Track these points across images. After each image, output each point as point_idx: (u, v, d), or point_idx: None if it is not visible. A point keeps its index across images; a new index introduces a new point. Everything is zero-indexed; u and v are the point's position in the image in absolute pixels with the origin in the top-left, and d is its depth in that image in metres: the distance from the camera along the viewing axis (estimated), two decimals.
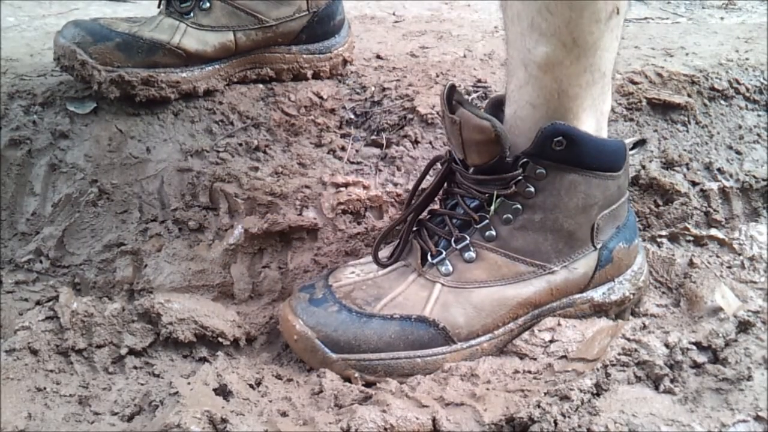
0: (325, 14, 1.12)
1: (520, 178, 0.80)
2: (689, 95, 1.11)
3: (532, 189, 0.81)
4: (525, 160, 0.80)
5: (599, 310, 0.87)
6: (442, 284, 0.83)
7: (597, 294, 0.87)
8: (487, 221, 0.83)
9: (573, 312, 0.86)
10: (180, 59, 1.03)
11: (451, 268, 0.83)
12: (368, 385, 0.79)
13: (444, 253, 0.84)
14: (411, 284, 0.84)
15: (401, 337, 0.80)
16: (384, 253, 0.88)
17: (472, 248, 0.83)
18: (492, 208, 0.82)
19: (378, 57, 1.26)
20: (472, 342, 0.82)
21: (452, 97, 0.82)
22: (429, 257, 0.84)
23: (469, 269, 0.83)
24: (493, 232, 0.83)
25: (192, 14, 1.05)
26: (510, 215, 0.82)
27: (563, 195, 0.81)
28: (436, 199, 0.89)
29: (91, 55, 1.00)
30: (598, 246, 0.85)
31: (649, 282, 0.94)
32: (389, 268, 0.86)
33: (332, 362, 0.80)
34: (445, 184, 0.87)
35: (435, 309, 0.81)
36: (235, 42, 1.07)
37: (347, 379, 0.79)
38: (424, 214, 0.89)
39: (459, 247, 0.83)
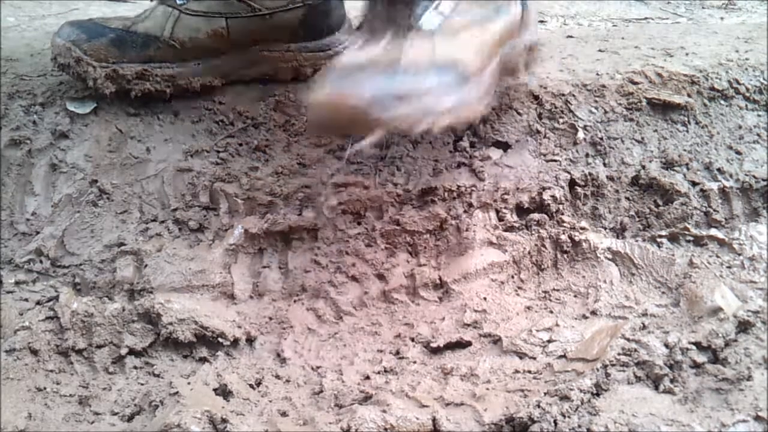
0: (322, 9, 1.11)
1: None
2: (689, 95, 1.11)
3: None
4: None
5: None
6: (436, 34, 0.87)
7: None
8: None
9: (513, 57, 0.98)
10: (175, 53, 1.03)
11: (437, 22, 0.88)
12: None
13: (428, 9, 0.88)
14: (414, 41, 0.86)
15: (435, 87, 0.84)
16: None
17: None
18: None
19: None
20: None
21: None
22: (413, 20, 0.88)
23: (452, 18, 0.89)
24: None
25: (185, 0, 1.05)
26: None
27: None
28: None
29: (86, 51, 1.00)
30: None
31: None
32: (386, 39, 0.88)
33: (378, 122, 0.82)
34: None
35: (444, 53, 0.86)
36: (227, 30, 1.06)
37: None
38: None
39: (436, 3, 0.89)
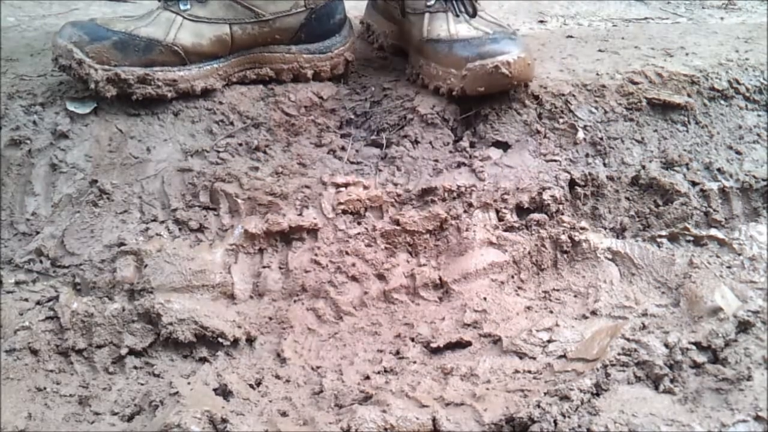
0: (324, 12, 1.12)
1: None
2: (689, 95, 1.11)
3: None
4: None
5: None
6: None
7: None
8: None
9: None
10: (177, 57, 1.04)
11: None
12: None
13: None
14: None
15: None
16: None
17: None
18: None
19: (378, 57, 1.26)
20: None
21: None
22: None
23: None
24: None
25: (189, 5, 1.05)
26: None
27: None
28: None
29: (88, 54, 1.00)
30: None
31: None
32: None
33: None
34: None
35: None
36: (231, 36, 1.06)
37: None
38: None
39: None
